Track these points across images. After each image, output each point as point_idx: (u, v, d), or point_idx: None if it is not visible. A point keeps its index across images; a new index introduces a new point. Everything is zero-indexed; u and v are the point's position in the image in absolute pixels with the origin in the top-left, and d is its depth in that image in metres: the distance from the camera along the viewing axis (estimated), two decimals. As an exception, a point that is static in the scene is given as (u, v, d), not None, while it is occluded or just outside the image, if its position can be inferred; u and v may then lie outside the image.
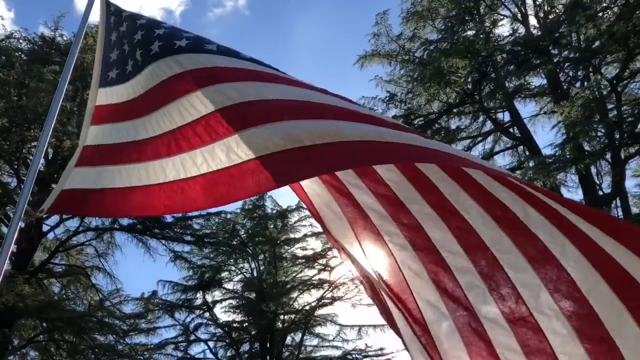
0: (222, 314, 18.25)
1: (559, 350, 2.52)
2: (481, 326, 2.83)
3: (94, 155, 3.27)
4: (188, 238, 16.08)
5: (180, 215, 15.44)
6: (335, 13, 36.28)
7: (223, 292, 18.48)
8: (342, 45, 37.35)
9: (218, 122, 2.71)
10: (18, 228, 2.54)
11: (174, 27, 3.23)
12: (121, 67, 3.35)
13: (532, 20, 13.12)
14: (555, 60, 11.78)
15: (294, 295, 17.62)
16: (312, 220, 17.02)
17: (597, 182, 11.34)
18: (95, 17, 4.37)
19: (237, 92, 2.67)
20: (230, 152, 2.64)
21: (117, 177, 3.13)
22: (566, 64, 11.91)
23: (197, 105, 2.81)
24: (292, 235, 18.35)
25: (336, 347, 18.08)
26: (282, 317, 17.47)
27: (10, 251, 2.44)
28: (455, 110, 13.00)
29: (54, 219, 14.51)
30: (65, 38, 15.29)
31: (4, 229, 13.96)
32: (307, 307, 17.53)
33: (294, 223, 18.50)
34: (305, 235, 18.20)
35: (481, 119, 13.25)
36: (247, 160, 2.55)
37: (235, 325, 18.13)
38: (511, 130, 13.04)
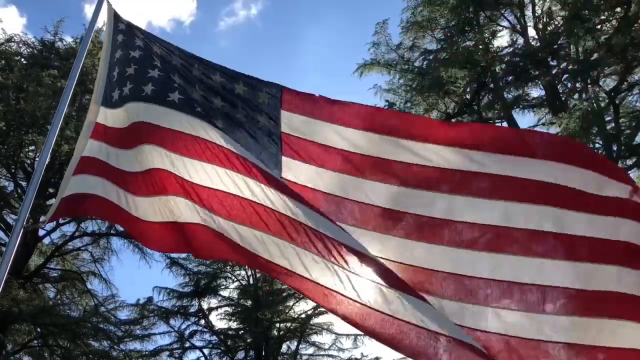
0: (218, 321, 18.19)
1: None
2: None
3: (93, 165, 3.34)
4: (185, 244, 15.98)
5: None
6: (345, 24, 36.58)
7: (219, 299, 18.41)
8: (349, 55, 37.63)
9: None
10: (19, 238, 2.52)
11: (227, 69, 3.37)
12: (140, 82, 3.40)
13: (531, 32, 13.17)
14: (553, 71, 11.83)
15: (290, 303, 17.55)
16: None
17: (595, 193, 11.35)
18: (100, 23, 4.37)
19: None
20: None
21: (122, 198, 3.32)
22: (565, 76, 11.96)
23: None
24: (289, 243, 18.28)
25: (332, 356, 18.03)
26: (277, 325, 17.40)
27: (10, 261, 2.42)
28: (454, 120, 13.01)
29: (51, 223, 14.46)
30: (65, 43, 15.30)
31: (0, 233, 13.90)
32: (303, 316, 17.47)
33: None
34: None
35: (479, 129, 13.28)
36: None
37: (230, 332, 18.06)
38: (509, 140, 13.06)
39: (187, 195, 3.17)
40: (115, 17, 3.58)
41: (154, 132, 3.26)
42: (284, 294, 17.43)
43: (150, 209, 3.26)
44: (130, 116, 3.35)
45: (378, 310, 2.79)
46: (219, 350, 17.89)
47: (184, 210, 3.19)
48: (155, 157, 3.25)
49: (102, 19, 3.68)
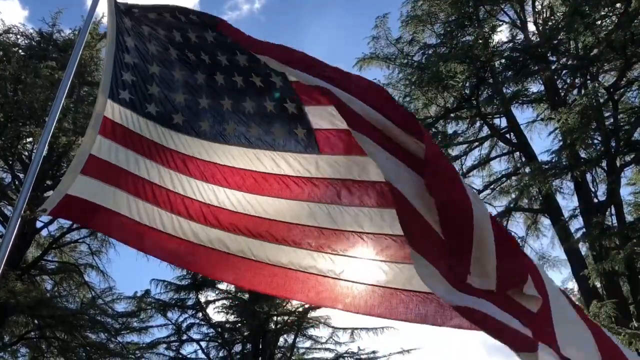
0: (215, 314, 18.19)
1: None
2: None
3: (104, 169, 3.28)
4: (182, 237, 15.95)
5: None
6: (348, 17, 36.53)
7: (216, 292, 18.40)
8: (351, 49, 37.59)
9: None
10: (16, 229, 2.51)
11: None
12: (140, 97, 3.40)
13: (531, 27, 13.18)
14: (553, 67, 11.83)
15: (288, 296, 17.54)
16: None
17: (593, 189, 11.37)
18: (101, 14, 4.32)
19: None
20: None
21: (134, 208, 3.33)
22: (564, 71, 11.96)
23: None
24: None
25: (329, 350, 18.04)
26: (275, 318, 17.42)
27: (7, 253, 2.41)
28: (452, 114, 13.01)
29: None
30: (63, 34, 15.22)
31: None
32: (300, 309, 17.49)
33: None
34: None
35: (478, 124, 13.27)
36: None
37: (227, 325, 18.07)
38: (508, 136, 13.06)
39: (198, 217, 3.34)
40: (116, 5, 3.51)
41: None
42: (282, 288, 17.42)
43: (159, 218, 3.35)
44: (138, 124, 3.38)
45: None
46: (216, 343, 17.92)
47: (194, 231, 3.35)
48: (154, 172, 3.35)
49: (103, 10, 3.64)
